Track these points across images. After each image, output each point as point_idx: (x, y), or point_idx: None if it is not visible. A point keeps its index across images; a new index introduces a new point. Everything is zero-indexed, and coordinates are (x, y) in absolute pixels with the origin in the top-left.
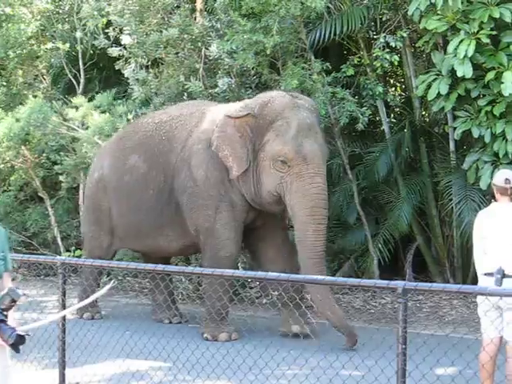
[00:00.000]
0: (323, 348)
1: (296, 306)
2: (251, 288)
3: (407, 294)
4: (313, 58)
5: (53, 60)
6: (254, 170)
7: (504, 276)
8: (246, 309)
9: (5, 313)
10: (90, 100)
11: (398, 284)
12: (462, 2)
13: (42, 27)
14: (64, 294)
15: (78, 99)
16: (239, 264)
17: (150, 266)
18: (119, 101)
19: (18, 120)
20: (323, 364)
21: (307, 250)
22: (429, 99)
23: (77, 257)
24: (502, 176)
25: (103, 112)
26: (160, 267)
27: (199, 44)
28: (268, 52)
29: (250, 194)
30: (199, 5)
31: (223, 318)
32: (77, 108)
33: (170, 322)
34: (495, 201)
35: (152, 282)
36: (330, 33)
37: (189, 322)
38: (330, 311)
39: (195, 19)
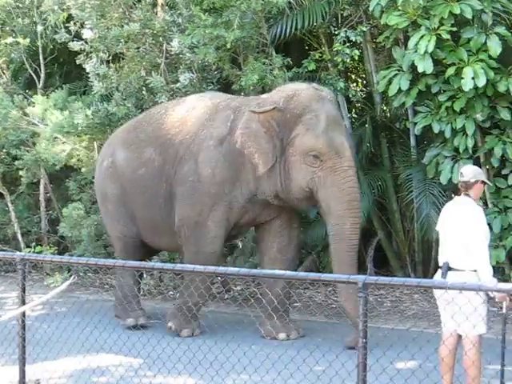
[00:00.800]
0: (284, 343)
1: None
2: (213, 283)
3: (368, 289)
4: (274, 53)
5: (13, 55)
6: (282, 166)
7: (449, 269)
8: (208, 304)
9: None
10: (51, 93)
11: (359, 278)
12: None
13: (2, 22)
14: (24, 290)
15: (37, 97)
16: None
17: (109, 262)
18: (73, 96)
19: None
20: (284, 358)
21: (344, 244)
22: (390, 95)
23: (37, 253)
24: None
25: (60, 109)
26: (120, 262)
27: (160, 39)
28: (229, 47)
29: (275, 189)
30: None
31: (194, 314)
32: (34, 104)
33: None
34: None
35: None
36: (292, 28)
37: (150, 317)
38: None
39: (156, 14)
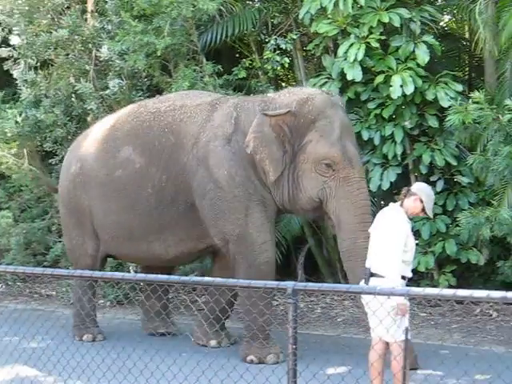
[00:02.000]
0: (214, 350)
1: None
2: (143, 291)
3: (297, 295)
4: (204, 60)
5: None
6: (291, 174)
7: (371, 275)
8: (139, 312)
9: None
10: None
11: (288, 284)
12: (352, 7)
13: None
14: None
15: None
16: (130, 267)
17: (37, 270)
18: (7, 104)
19: None
20: (214, 366)
21: (358, 259)
22: None
23: None
24: None
25: None
26: (48, 271)
27: (90, 45)
28: (159, 54)
29: (282, 198)
30: (90, 6)
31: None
32: None
33: (166, 333)
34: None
35: (145, 292)
36: (222, 35)
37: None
38: None
39: (86, 20)
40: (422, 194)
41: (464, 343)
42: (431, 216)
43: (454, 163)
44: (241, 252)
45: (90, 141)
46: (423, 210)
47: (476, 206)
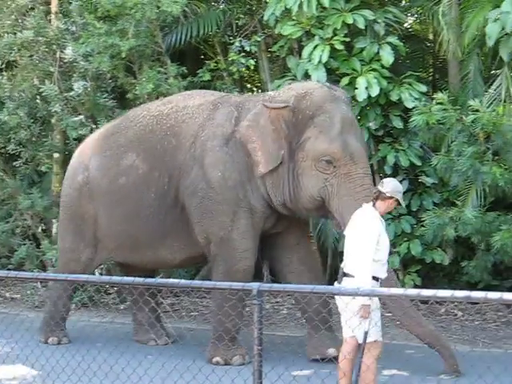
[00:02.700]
0: (180, 352)
1: (152, 310)
2: (108, 294)
3: (262, 296)
4: (169, 61)
5: None
6: (290, 172)
7: (344, 275)
8: (105, 315)
9: None
10: None
11: (253, 285)
12: (316, 8)
13: None
14: None
15: None
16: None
17: (24, 274)
18: None
19: None
20: (180, 368)
21: None
22: None
23: None
24: None
25: None
26: (13, 273)
27: (54, 47)
28: (123, 55)
29: (281, 198)
30: (54, 7)
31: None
32: None
33: (157, 344)
34: None
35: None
36: (186, 36)
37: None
38: (419, 326)
39: (50, 21)
40: (396, 194)
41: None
42: (404, 205)
43: (419, 164)
44: (221, 255)
45: (94, 149)
46: (398, 204)
47: (440, 206)
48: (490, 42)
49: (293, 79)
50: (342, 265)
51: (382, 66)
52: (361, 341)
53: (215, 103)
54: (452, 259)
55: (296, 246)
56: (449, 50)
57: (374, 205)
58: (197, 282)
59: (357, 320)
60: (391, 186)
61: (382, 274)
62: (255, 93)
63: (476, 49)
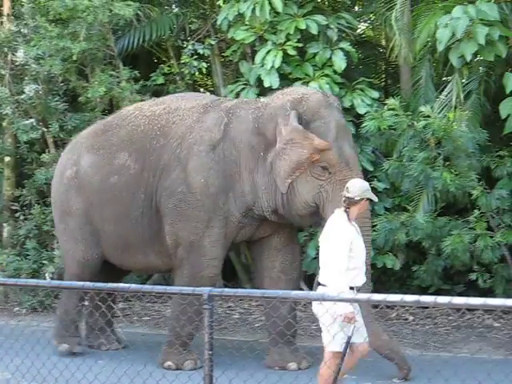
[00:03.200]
0: (131, 357)
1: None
2: (59, 298)
3: (213, 301)
4: (121, 65)
5: None
6: None
7: (319, 285)
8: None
9: None
10: None
11: (204, 290)
12: (269, 13)
13: None
14: None
15: None
16: (46, 274)
17: None
18: None
19: None
20: (130, 373)
21: None
22: None
23: None
24: None
25: None
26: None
27: (5, 49)
28: (75, 58)
29: (273, 204)
30: (6, 9)
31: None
32: None
33: (108, 349)
34: None
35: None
36: (139, 40)
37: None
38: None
39: (2, 23)
40: (366, 193)
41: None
42: (376, 199)
43: (370, 169)
44: (189, 260)
45: (85, 146)
46: (371, 201)
47: (392, 211)
48: (441, 48)
49: (246, 84)
50: (317, 275)
51: (335, 72)
52: (340, 348)
53: (206, 106)
54: (403, 264)
55: (281, 252)
56: (400, 56)
57: (345, 210)
58: (147, 287)
59: (337, 326)
60: (357, 188)
61: (359, 281)
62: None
63: (428, 55)
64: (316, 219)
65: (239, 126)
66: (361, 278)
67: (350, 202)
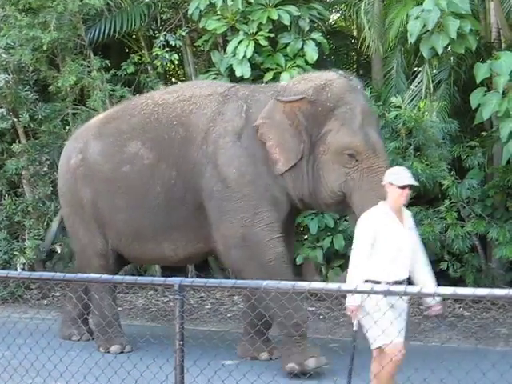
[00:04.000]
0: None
1: (74, 306)
2: (30, 289)
3: (184, 291)
4: (92, 54)
5: None
6: (310, 166)
7: None
8: (26, 310)
9: None
10: None
11: (175, 281)
12: (241, 3)
13: None
14: None
15: None
16: (17, 265)
17: None
18: None
19: None
20: (101, 363)
21: None
22: None
23: None
24: None
25: None
26: None
27: None
28: (46, 48)
29: (301, 192)
30: None
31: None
32: None
33: (79, 339)
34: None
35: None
36: (110, 30)
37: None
38: None
39: None
40: (389, 179)
41: (352, 336)
42: (416, 183)
43: None
44: (247, 255)
45: (92, 133)
46: (407, 188)
47: None
48: (412, 39)
49: (217, 74)
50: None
51: (306, 62)
52: (382, 342)
53: (224, 95)
54: None
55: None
56: (372, 47)
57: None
58: (118, 277)
59: (369, 321)
60: (387, 174)
61: (387, 276)
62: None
63: (399, 46)
64: (342, 207)
65: (259, 111)
66: (389, 274)
67: (386, 191)
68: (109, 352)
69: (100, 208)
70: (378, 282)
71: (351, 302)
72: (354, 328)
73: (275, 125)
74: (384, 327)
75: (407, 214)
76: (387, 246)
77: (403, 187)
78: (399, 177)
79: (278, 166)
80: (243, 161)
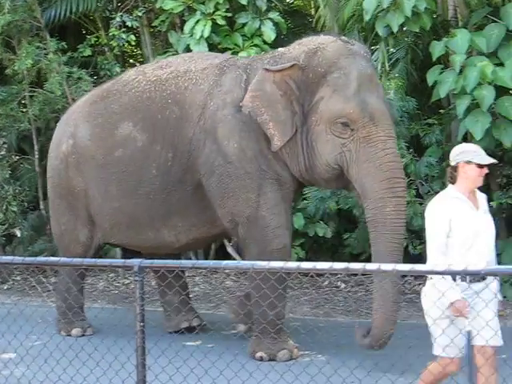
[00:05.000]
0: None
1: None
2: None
3: (143, 272)
4: (48, 36)
5: None
6: (304, 138)
7: None
8: None
9: None
10: None
11: (134, 262)
12: None
13: None
14: None
15: None
16: None
17: None
18: None
19: None
20: (62, 346)
21: (387, 232)
22: None
23: None
24: None
25: None
26: None
27: None
28: (1, 30)
29: (298, 168)
30: None
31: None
32: None
33: (190, 326)
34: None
35: (161, 281)
36: (66, 11)
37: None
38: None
39: None
40: (459, 158)
41: (313, 315)
42: (493, 160)
43: None
44: (252, 236)
45: (83, 115)
46: (486, 167)
47: None
48: (367, 18)
49: (175, 54)
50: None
51: (264, 42)
52: (453, 354)
53: (221, 67)
54: (334, 232)
55: None
56: (327, 26)
57: (450, 183)
58: (78, 260)
59: (446, 324)
60: (453, 152)
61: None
62: None
63: (356, 24)
64: (342, 183)
65: None
66: (473, 263)
67: (452, 172)
68: (70, 335)
69: (92, 197)
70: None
71: (453, 297)
72: (466, 329)
73: (266, 97)
74: (449, 338)
75: (481, 197)
76: (463, 234)
77: (482, 166)
78: (477, 154)
79: (274, 141)
80: (244, 135)
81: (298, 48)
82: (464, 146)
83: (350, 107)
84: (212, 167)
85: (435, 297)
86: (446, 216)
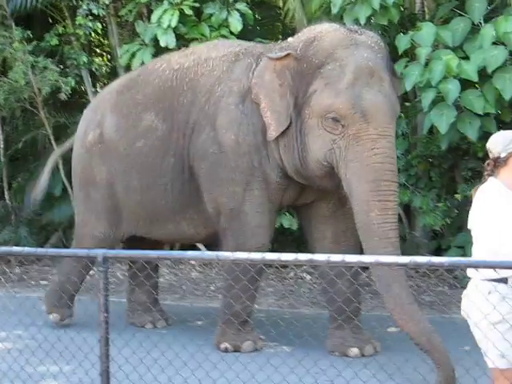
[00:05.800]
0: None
1: None
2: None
3: (107, 262)
4: (14, 25)
5: None
6: (298, 131)
7: None
8: None
9: None
10: None
11: (98, 252)
12: None
13: None
14: None
15: None
16: None
17: None
18: None
19: None
20: (25, 336)
21: (374, 238)
22: (133, 68)
23: None
24: None
25: None
26: None
27: None
28: None
29: (293, 164)
30: None
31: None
32: None
33: (155, 327)
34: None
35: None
36: (32, 0)
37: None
38: (412, 323)
39: None
40: (505, 147)
41: (278, 306)
42: None
43: None
44: (231, 230)
45: (110, 105)
46: None
47: None
48: (335, 10)
49: (142, 44)
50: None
51: (231, 33)
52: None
53: (237, 54)
54: (300, 224)
55: (330, 220)
56: (295, 18)
57: (489, 176)
58: (41, 250)
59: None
60: (499, 142)
61: None
62: (103, 58)
63: (324, 16)
64: (336, 181)
65: None
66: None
67: (496, 165)
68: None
69: (115, 190)
70: (505, 279)
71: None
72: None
73: (265, 85)
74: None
75: None
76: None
77: None
78: None
79: (270, 130)
80: (243, 128)
81: (299, 37)
82: (502, 134)
83: (340, 102)
84: (206, 153)
85: (491, 298)
86: (497, 212)
